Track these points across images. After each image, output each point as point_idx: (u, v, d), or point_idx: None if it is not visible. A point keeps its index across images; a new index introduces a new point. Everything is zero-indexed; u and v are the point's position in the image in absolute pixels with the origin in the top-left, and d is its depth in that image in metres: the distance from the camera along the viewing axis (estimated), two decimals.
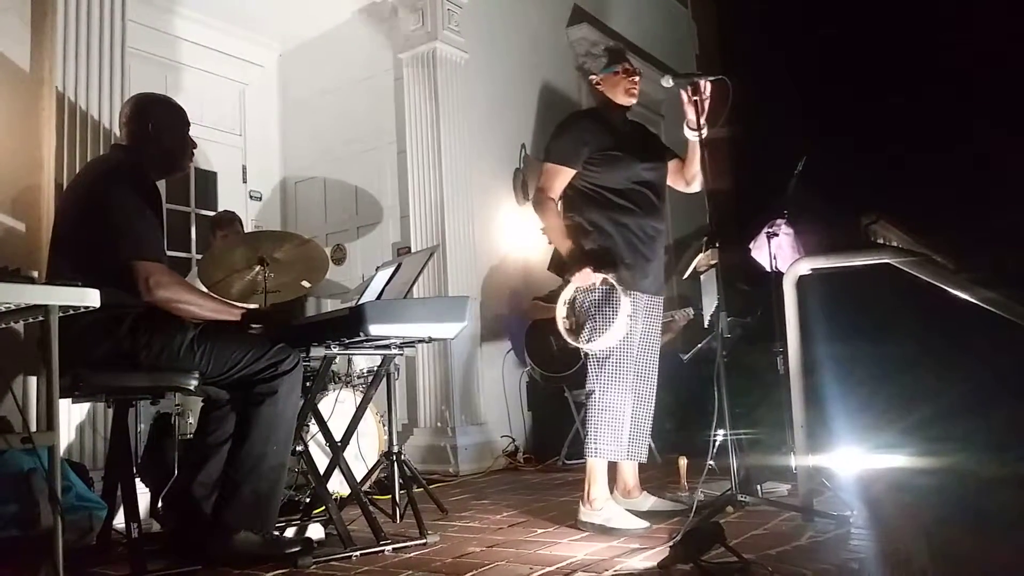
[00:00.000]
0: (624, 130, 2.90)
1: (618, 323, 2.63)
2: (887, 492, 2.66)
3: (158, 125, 2.48)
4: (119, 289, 2.17)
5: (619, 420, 2.73)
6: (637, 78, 2.88)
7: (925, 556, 2.15)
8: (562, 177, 2.81)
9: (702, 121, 2.68)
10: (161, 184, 2.54)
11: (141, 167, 2.43)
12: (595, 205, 2.79)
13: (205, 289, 2.95)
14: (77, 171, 2.83)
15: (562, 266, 2.83)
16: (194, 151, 2.62)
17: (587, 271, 2.66)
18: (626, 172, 2.79)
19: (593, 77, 2.91)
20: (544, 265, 4.82)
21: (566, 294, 2.76)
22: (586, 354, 2.82)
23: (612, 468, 2.83)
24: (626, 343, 2.72)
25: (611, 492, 2.77)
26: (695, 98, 2.69)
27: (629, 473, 2.89)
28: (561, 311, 2.75)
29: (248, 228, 5.00)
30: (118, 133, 3.10)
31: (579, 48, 6.05)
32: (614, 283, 2.65)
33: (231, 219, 4.25)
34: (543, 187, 2.83)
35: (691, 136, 2.79)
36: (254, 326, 2.42)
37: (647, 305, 2.83)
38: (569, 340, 2.74)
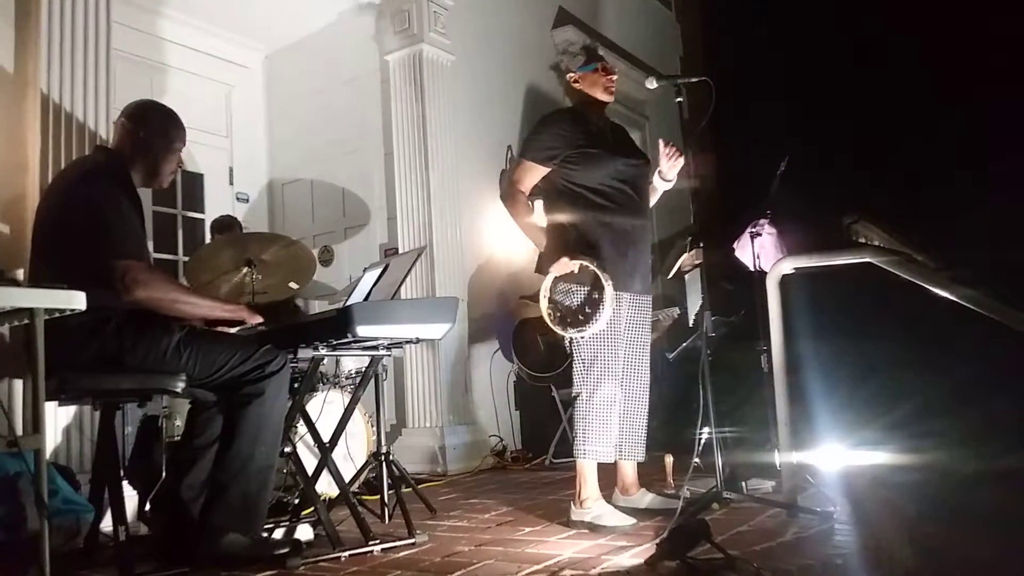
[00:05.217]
0: (602, 127, 2.89)
1: (604, 310, 2.60)
2: (869, 488, 2.69)
3: (149, 131, 2.44)
4: (101, 291, 2.14)
5: (607, 421, 2.71)
6: (614, 75, 2.90)
7: (907, 550, 2.18)
8: (534, 174, 2.82)
9: (672, 175, 2.85)
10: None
11: (123, 168, 2.40)
12: (576, 204, 2.76)
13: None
14: None
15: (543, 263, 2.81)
16: (179, 167, 2.56)
17: (564, 259, 2.64)
18: (604, 169, 2.78)
19: (572, 75, 2.90)
20: (531, 265, 4.83)
21: (545, 285, 2.71)
22: (572, 353, 2.81)
23: (612, 467, 2.83)
24: (611, 343, 2.71)
25: (612, 490, 2.77)
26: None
27: (627, 471, 2.90)
28: (543, 303, 2.72)
29: None
30: (104, 135, 3.10)
31: (561, 50, 6.08)
32: (596, 270, 2.62)
33: (231, 224, 4.24)
34: (514, 180, 2.86)
35: (660, 185, 2.91)
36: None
37: (634, 304, 2.81)
38: (556, 330, 2.71)
